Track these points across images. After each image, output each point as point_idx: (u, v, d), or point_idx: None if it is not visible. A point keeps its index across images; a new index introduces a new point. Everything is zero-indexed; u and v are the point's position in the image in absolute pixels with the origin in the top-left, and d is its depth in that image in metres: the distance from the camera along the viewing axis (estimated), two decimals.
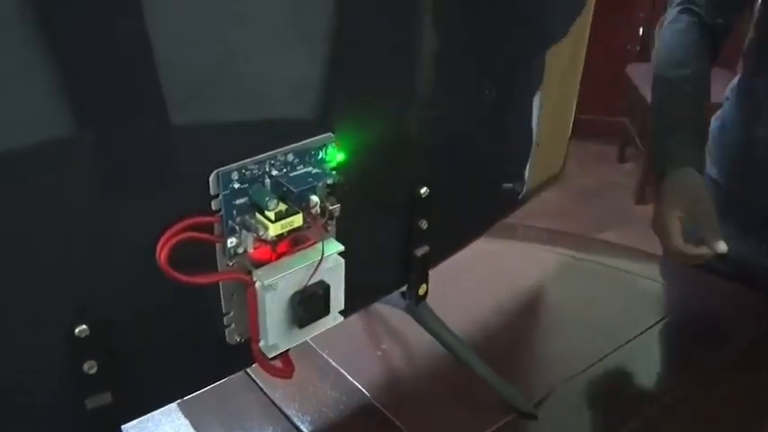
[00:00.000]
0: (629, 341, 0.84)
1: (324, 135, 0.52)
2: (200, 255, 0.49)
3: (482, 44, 0.66)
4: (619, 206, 2.56)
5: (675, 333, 0.87)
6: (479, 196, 0.76)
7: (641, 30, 2.76)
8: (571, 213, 2.45)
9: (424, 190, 0.64)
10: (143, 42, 0.41)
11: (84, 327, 0.46)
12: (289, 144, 0.50)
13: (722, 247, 0.78)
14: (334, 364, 0.80)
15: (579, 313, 0.89)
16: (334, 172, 0.52)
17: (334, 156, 0.53)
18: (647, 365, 0.81)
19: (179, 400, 0.61)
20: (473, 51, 0.66)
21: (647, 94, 2.53)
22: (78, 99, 0.40)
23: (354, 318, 0.84)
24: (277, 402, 0.75)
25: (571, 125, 0.95)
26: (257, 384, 0.77)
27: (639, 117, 2.62)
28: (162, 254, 0.45)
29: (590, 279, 0.97)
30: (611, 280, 0.97)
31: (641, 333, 0.85)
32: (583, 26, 0.83)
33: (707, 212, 0.82)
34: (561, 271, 1.00)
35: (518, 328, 0.89)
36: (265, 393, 0.76)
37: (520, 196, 0.87)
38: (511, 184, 0.85)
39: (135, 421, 0.52)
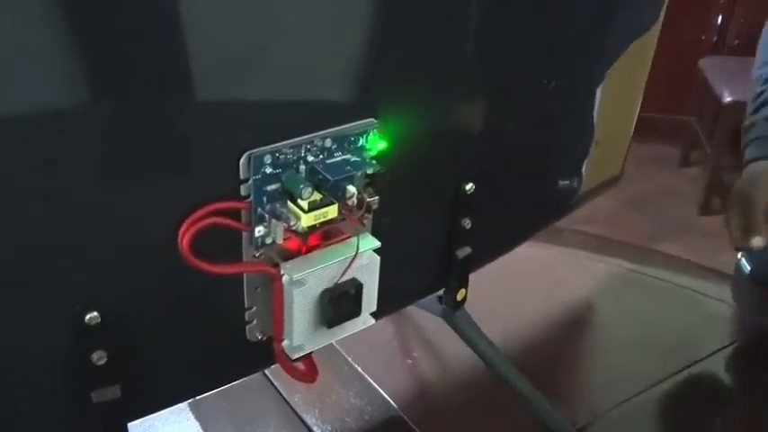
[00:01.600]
0: (689, 366, 0.83)
1: (366, 120, 0.52)
2: (224, 243, 0.49)
3: (547, 30, 0.66)
4: (679, 216, 2.54)
5: (745, 361, 0.85)
6: (529, 197, 0.76)
7: (719, 18, 2.71)
8: (623, 221, 2.43)
9: (469, 186, 0.64)
10: (173, 5, 0.41)
11: (95, 314, 0.47)
12: (327, 128, 0.50)
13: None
14: (360, 370, 0.80)
15: (632, 332, 0.89)
16: (374, 161, 0.52)
17: (376, 143, 0.53)
18: (708, 395, 0.80)
19: (190, 400, 0.61)
20: (536, 37, 0.65)
21: (722, 90, 2.51)
22: (98, 63, 0.40)
23: (384, 322, 0.84)
24: (296, 408, 0.75)
25: (635, 123, 0.95)
26: (275, 387, 0.77)
27: (709, 117, 2.58)
28: (184, 239, 0.46)
29: (646, 294, 0.97)
30: (671, 297, 0.96)
31: (704, 358, 0.84)
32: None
33: None
34: (613, 283, 0.99)
35: (563, 344, 0.89)
36: (283, 397, 0.76)
37: (574, 199, 0.86)
38: (567, 181, 0.84)
39: (140, 420, 0.53)
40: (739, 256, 0.94)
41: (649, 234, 2.40)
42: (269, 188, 0.49)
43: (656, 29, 0.84)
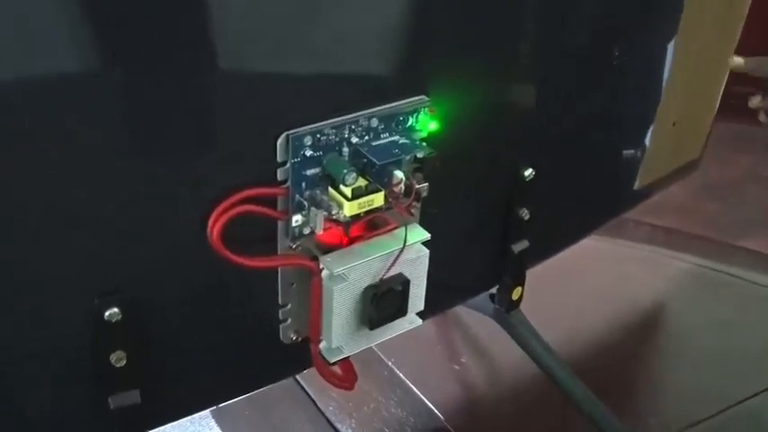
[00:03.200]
0: None
1: (416, 98, 0.53)
2: (257, 233, 0.50)
3: None
4: (762, 207, 2.51)
5: None
6: (595, 185, 0.77)
7: None
8: (699, 211, 2.41)
9: (528, 172, 0.65)
10: None
11: (115, 310, 0.48)
12: (374, 106, 0.51)
13: None
14: (401, 376, 0.81)
15: (711, 340, 0.89)
16: (424, 144, 0.53)
17: (427, 124, 0.53)
18: None
19: (215, 407, 0.63)
20: (598, 4, 0.66)
21: None
22: (123, 25, 0.42)
23: (429, 323, 0.85)
24: (330, 417, 0.77)
25: (719, 100, 0.94)
26: (307, 394, 0.79)
27: None
28: (215, 229, 0.47)
29: (727, 297, 0.97)
30: (757, 301, 0.95)
31: None
32: None
33: None
34: (689, 284, 0.99)
35: (631, 351, 0.89)
36: (317, 405, 0.78)
37: (645, 188, 0.86)
38: (638, 168, 0.84)
39: (157, 429, 0.54)
40: None
41: (730, 227, 2.37)
42: (309, 172, 0.50)
43: None
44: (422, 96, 0.53)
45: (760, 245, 2.27)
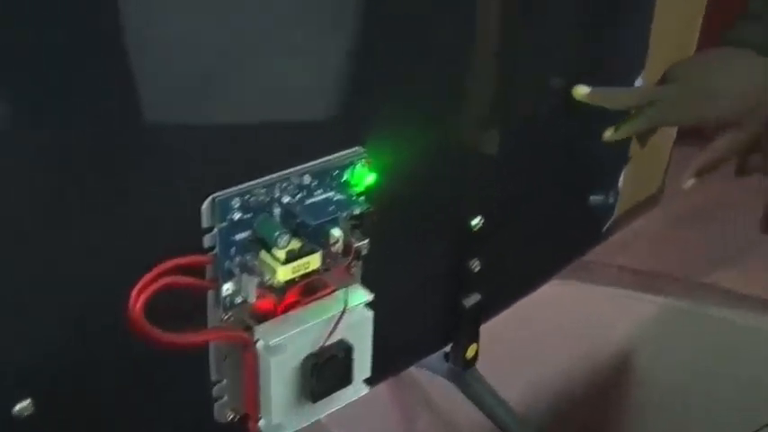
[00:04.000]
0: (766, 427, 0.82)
1: (350, 150, 0.54)
2: (184, 305, 0.50)
3: (560, 31, 0.68)
4: (738, 235, 2.55)
5: None
6: (550, 228, 0.78)
7: None
8: (671, 244, 2.43)
9: (476, 221, 0.66)
10: (118, 24, 0.43)
11: (26, 402, 0.46)
12: (305, 162, 0.52)
13: None
14: None
15: (688, 387, 0.89)
16: (362, 198, 0.54)
17: (363, 177, 0.54)
18: None
19: None
20: (543, 34, 0.68)
21: None
22: (36, 88, 0.41)
23: (382, 387, 0.85)
24: None
25: (676, 129, 0.97)
26: None
27: None
28: (136, 306, 0.47)
29: (699, 338, 0.97)
30: (730, 341, 0.96)
31: None
32: None
33: None
34: (659, 326, 1.00)
35: (600, 404, 0.89)
36: None
37: (604, 228, 0.88)
38: (595, 207, 0.86)
39: None
40: None
41: (701, 257, 2.41)
42: (238, 237, 0.50)
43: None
44: (357, 148, 0.54)
45: (734, 276, 2.31)
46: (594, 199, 0.86)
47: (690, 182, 0.76)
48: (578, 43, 0.73)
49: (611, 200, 0.88)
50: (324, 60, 0.53)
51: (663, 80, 0.74)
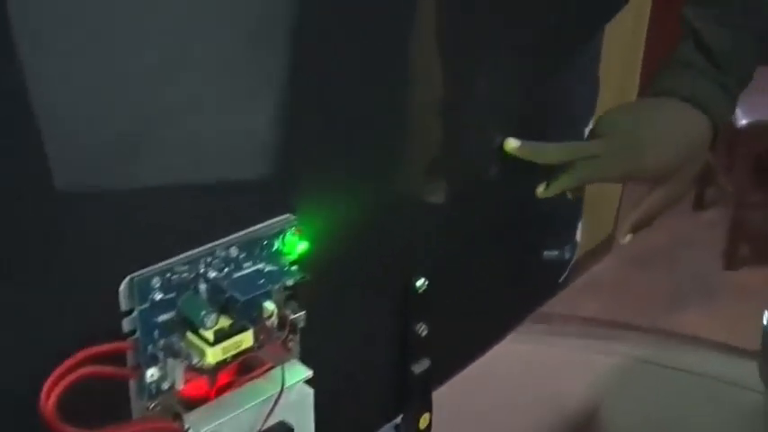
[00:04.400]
0: None
1: (280, 218, 0.53)
2: (105, 396, 0.49)
3: (499, 73, 0.68)
4: (699, 273, 2.58)
5: None
6: (500, 285, 0.78)
7: None
8: (630, 286, 2.46)
9: (421, 282, 0.65)
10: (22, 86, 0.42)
11: None
12: (231, 233, 0.51)
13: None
14: None
15: None
16: (295, 268, 0.53)
17: (295, 246, 0.54)
18: None
19: None
20: (487, 85, 0.68)
21: (737, 114, 2.57)
22: None
23: None
24: None
25: None
26: None
27: (723, 144, 2.64)
28: (49, 401, 0.45)
29: (666, 392, 0.98)
30: (697, 393, 0.97)
31: None
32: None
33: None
34: (623, 380, 1.01)
35: None
36: None
37: (558, 278, 0.88)
38: (547, 260, 0.87)
39: None
40: (765, 321, 0.96)
41: (664, 300, 2.43)
42: (161, 319, 0.49)
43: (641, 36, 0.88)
44: (287, 215, 0.54)
45: (695, 316, 2.33)
46: (549, 254, 0.87)
47: (627, 238, 0.78)
48: (525, 94, 0.73)
49: (566, 254, 0.89)
50: (248, 122, 0.52)
51: (593, 133, 0.76)
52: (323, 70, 0.55)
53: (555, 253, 0.88)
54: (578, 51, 0.81)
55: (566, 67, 0.78)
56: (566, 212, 0.87)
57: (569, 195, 0.77)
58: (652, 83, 0.77)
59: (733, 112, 0.79)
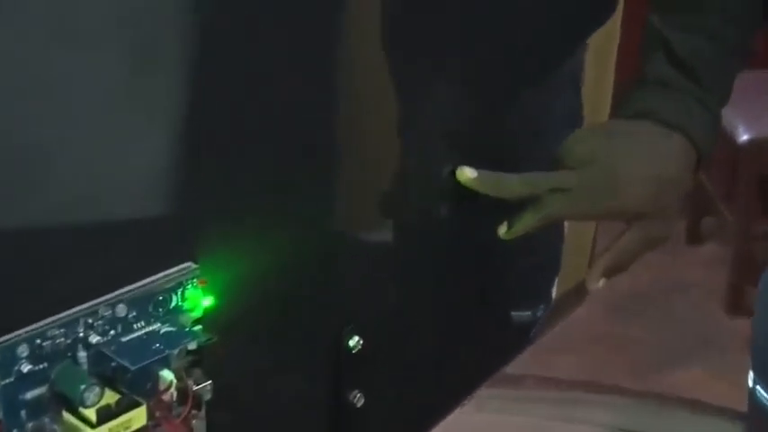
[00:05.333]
0: None
1: (179, 267, 0.53)
2: None
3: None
4: (696, 323, 2.59)
5: None
6: (456, 343, 0.78)
7: None
8: (612, 342, 2.46)
9: (355, 341, 0.65)
10: None
11: None
12: (118, 287, 0.51)
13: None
14: None
15: None
16: (198, 328, 0.53)
17: (198, 300, 0.53)
18: None
19: None
20: (434, 102, 0.69)
21: (735, 125, 2.58)
22: None
23: None
24: None
25: None
26: None
27: (722, 166, 2.66)
28: None
29: None
30: None
31: None
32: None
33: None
34: None
35: None
36: None
37: (524, 334, 0.88)
38: (509, 311, 0.87)
39: None
40: (750, 383, 0.97)
41: (655, 355, 2.44)
42: (29, 395, 0.48)
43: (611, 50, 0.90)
44: (187, 264, 0.53)
45: (697, 375, 2.34)
46: (519, 315, 0.87)
47: (599, 283, 0.78)
48: (487, 113, 0.75)
49: (539, 313, 0.89)
50: (140, 154, 0.52)
51: (561, 162, 0.76)
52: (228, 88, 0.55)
53: (526, 314, 0.88)
54: (557, 66, 0.82)
55: (542, 83, 0.79)
56: (540, 259, 0.88)
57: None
58: (623, 101, 0.77)
59: (717, 132, 0.79)
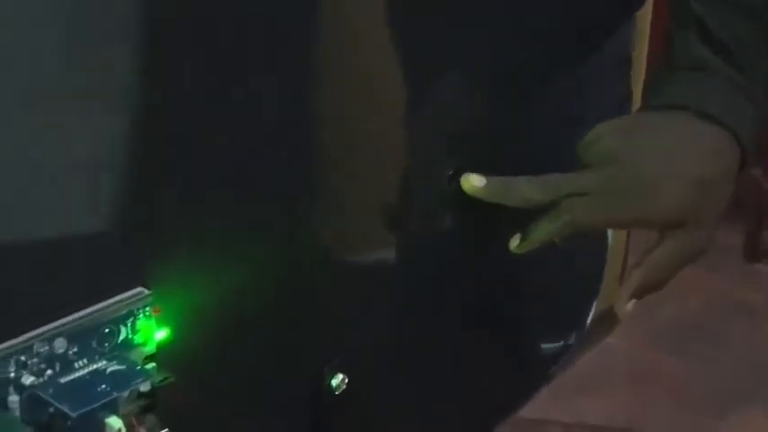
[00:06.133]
0: None
1: (128, 294, 0.53)
2: None
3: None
4: (757, 353, 2.58)
5: None
6: (460, 381, 0.78)
7: None
8: (652, 379, 2.45)
9: (338, 381, 0.66)
10: None
11: None
12: (56, 318, 0.51)
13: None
14: None
15: None
16: (152, 366, 0.53)
17: (152, 333, 0.54)
18: None
19: None
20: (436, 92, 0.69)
21: None
22: None
23: None
24: None
25: None
26: None
27: None
28: None
29: None
30: None
31: None
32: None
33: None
34: None
35: None
36: None
37: (540, 371, 0.89)
38: (558, 344, 0.87)
39: None
40: None
41: (706, 395, 2.43)
42: None
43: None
44: (138, 290, 0.54)
45: (755, 419, 2.33)
46: (548, 348, 0.87)
47: (628, 306, 0.77)
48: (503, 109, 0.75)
49: (571, 341, 0.89)
50: (79, 159, 0.52)
51: (581, 161, 0.75)
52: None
53: (556, 345, 0.88)
54: (595, 47, 0.82)
55: (577, 67, 0.80)
56: (578, 275, 0.88)
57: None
58: (651, 89, 0.76)
59: (761, 127, 0.78)
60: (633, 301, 0.77)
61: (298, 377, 0.66)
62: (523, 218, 0.73)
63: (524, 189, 0.72)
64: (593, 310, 0.91)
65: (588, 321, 0.91)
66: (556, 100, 0.80)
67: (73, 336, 0.52)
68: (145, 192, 0.54)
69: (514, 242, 0.72)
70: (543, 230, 0.73)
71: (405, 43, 0.65)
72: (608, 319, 0.95)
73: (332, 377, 0.66)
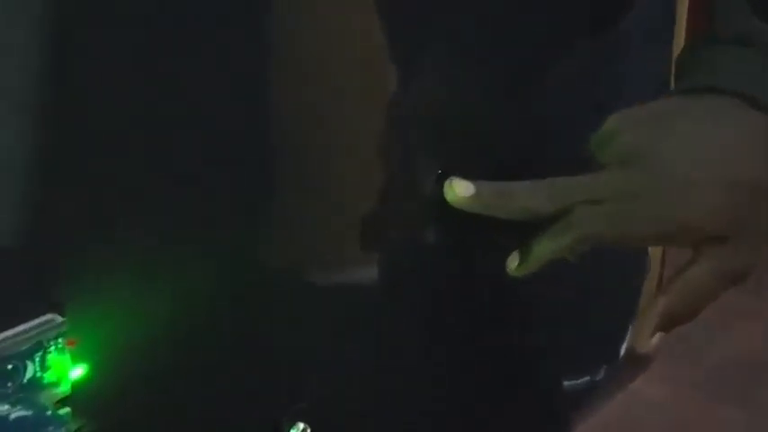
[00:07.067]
0: None
1: (36, 323, 0.54)
2: None
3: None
4: None
5: None
6: (455, 429, 0.79)
7: None
8: (693, 427, 2.46)
9: (299, 430, 0.66)
10: None
11: None
12: None
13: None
14: None
15: None
16: (66, 411, 0.54)
17: (65, 370, 0.54)
18: None
19: None
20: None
21: None
22: None
23: None
24: None
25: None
26: None
27: None
28: None
29: None
30: None
31: None
32: None
33: None
34: None
35: None
36: None
37: (574, 414, 0.89)
38: (584, 378, 0.87)
39: None
40: None
41: None
42: None
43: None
44: (48, 317, 0.54)
45: None
46: (570, 386, 0.87)
47: (652, 341, 0.74)
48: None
49: (599, 377, 0.89)
50: None
51: (594, 160, 0.73)
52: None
53: (579, 381, 0.87)
54: (621, 18, 0.81)
55: (599, 41, 0.79)
56: (611, 298, 0.88)
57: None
58: (682, 69, 0.74)
59: None
60: (658, 334, 0.75)
61: (250, 428, 0.66)
62: (529, 225, 0.71)
63: (524, 197, 0.70)
64: (627, 336, 0.90)
65: (622, 352, 0.90)
66: (568, 82, 0.78)
67: None
68: (54, 198, 0.55)
69: (513, 262, 0.70)
70: (547, 248, 0.71)
71: (391, 19, 0.66)
72: (619, 380, 0.96)
73: (291, 428, 0.66)
